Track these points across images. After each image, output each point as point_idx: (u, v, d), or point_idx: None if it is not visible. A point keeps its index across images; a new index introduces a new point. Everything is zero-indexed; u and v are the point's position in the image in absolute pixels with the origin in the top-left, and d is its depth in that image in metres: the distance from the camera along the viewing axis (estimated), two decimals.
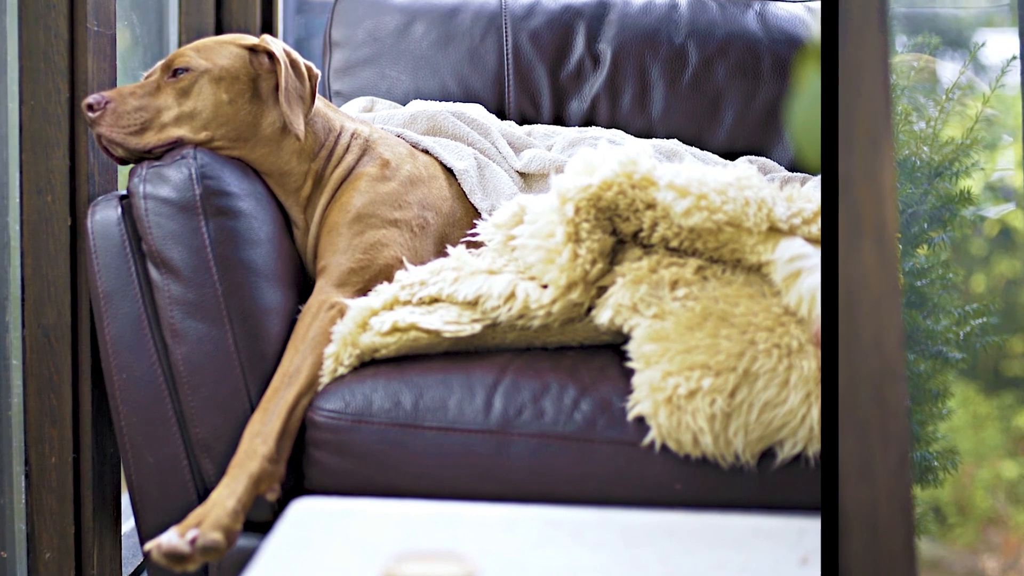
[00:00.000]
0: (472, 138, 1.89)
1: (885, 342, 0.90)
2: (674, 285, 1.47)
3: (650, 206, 1.48)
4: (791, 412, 1.36)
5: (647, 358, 1.41)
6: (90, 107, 1.55)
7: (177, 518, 1.42)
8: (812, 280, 1.38)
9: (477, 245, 1.65)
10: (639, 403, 1.40)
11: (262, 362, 1.50)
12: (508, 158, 1.90)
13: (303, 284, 1.65)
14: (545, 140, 2.01)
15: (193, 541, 1.34)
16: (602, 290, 1.50)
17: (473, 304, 1.51)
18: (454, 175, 1.81)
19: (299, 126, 1.61)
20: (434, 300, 1.53)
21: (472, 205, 1.79)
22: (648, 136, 2.10)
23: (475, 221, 1.72)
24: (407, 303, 1.52)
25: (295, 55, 1.66)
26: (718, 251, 1.48)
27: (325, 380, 1.48)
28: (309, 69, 1.67)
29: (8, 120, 1.61)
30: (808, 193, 1.52)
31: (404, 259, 1.61)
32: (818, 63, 0.99)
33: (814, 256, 1.42)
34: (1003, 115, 1.63)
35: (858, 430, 0.92)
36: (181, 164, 1.52)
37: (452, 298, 1.52)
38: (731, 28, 2.15)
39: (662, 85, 2.13)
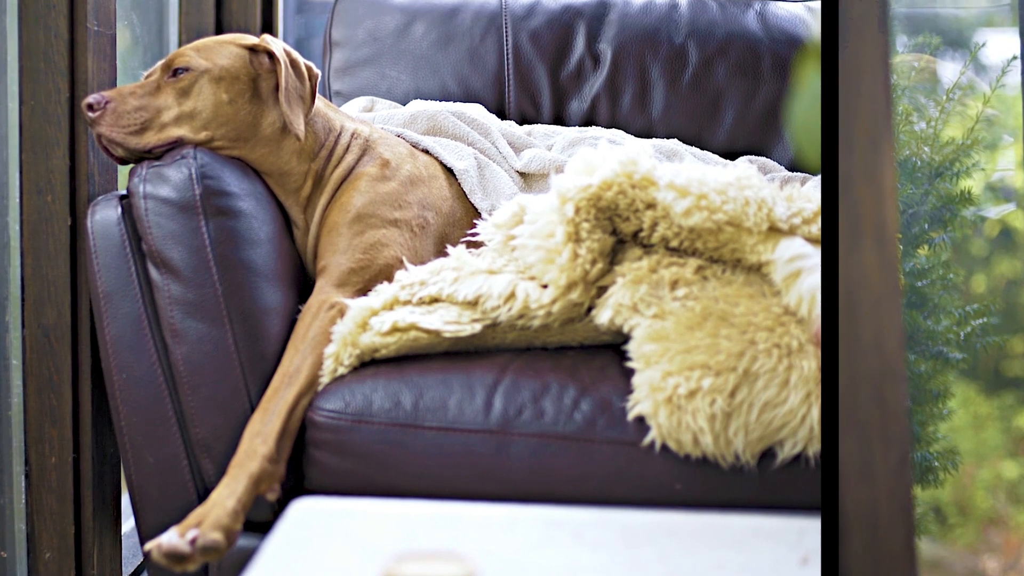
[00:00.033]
0: (472, 138, 1.89)
1: (886, 342, 0.90)
2: (674, 285, 1.47)
3: (650, 206, 1.48)
4: (791, 412, 1.36)
5: (647, 358, 1.41)
6: (90, 107, 1.55)
7: (177, 518, 1.42)
8: (812, 280, 1.38)
9: (477, 245, 1.65)
10: (639, 403, 1.40)
11: (262, 362, 1.50)
12: (508, 158, 1.90)
13: (303, 284, 1.64)
14: (545, 140, 2.01)
15: (193, 541, 1.34)
16: (602, 290, 1.50)
17: (473, 304, 1.51)
18: (454, 175, 1.81)
19: (299, 126, 1.61)
20: (434, 300, 1.53)
21: (472, 205, 1.79)
22: (648, 136, 2.10)
23: (475, 221, 1.71)
24: (407, 303, 1.52)
25: (295, 55, 1.66)
26: (718, 251, 1.48)
27: (325, 380, 1.48)
28: (309, 69, 1.67)
29: (8, 120, 1.61)
30: (808, 193, 1.52)
31: (404, 259, 1.61)
32: (818, 63, 0.99)
33: (814, 256, 1.42)
34: (1004, 115, 1.63)
35: (859, 430, 0.91)
36: (181, 164, 1.52)
37: (452, 298, 1.52)
38: (731, 28, 2.15)
39: (662, 85, 2.13)
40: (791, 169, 2.08)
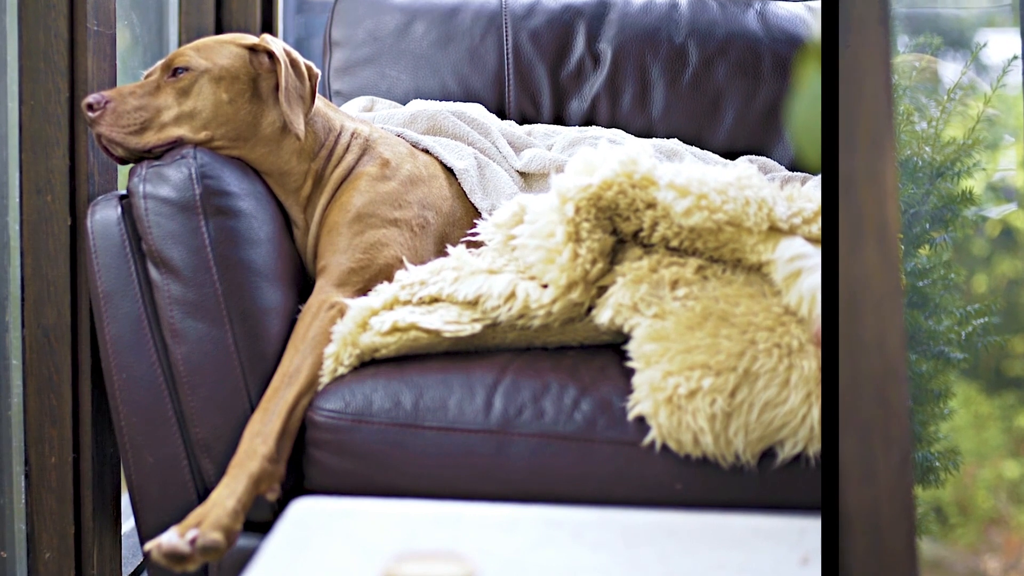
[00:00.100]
0: (472, 138, 1.89)
1: (887, 342, 0.90)
2: (674, 285, 1.46)
3: (650, 206, 1.48)
4: (791, 412, 1.36)
5: (647, 358, 1.41)
6: (90, 107, 1.55)
7: (177, 518, 1.42)
8: (812, 280, 1.38)
9: (477, 245, 1.65)
10: (639, 403, 1.40)
11: (262, 362, 1.49)
12: (508, 158, 1.90)
13: (303, 284, 1.64)
14: (545, 140, 2.01)
15: (193, 541, 1.33)
16: (602, 290, 1.50)
17: (473, 304, 1.51)
18: (454, 175, 1.80)
19: (299, 126, 1.61)
20: (434, 300, 1.53)
21: (472, 205, 1.79)
22: (648, 136, 2.10)
23: (475, 221, 1.71)
24: (407, 303, 1.52)
25: (295, 54, 1.66)
26: (718, 251, 1.48)
27: (325, 380, 1.48)
28: (309, 69, 1.67)
29: (8, 120, 1.61)
30: (808, 193, 1.52)
31: (404, 259, 1.61)
32: (819, 63, 0.99)
33: (814, 256, 1.42)
34: (1005, 115, 1.63)
35: (860, 430, 0.91)
36: (181, 164, 1.52)
37: (452, 298, 1.51)
38: (731, 27, 2.15)
39: (662, 84, 2.12)
40: (791, 169, 2.08)
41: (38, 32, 1.57)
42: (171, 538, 1.34)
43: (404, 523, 1.11)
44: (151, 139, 1.57)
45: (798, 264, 1.41)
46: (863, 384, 0.92)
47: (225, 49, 1.63)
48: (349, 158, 1.70)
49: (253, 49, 1.64)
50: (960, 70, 1.60)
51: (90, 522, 1.63)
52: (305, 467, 1.48)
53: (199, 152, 1.55)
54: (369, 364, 1.50)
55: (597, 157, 1.51)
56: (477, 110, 1.98)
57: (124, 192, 1.56)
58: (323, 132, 1.69)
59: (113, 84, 1.68)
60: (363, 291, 1.57)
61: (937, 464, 1.55)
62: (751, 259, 1.46)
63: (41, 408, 1.61)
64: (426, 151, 1.82)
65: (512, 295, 1.50)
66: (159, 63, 1.63)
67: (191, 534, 1.34)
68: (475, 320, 1.51)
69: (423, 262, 1.63)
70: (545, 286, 1.49)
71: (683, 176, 1.46)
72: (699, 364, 1.37)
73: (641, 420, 1.40)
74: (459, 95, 2.11)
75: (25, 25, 1.58)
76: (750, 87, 2.12)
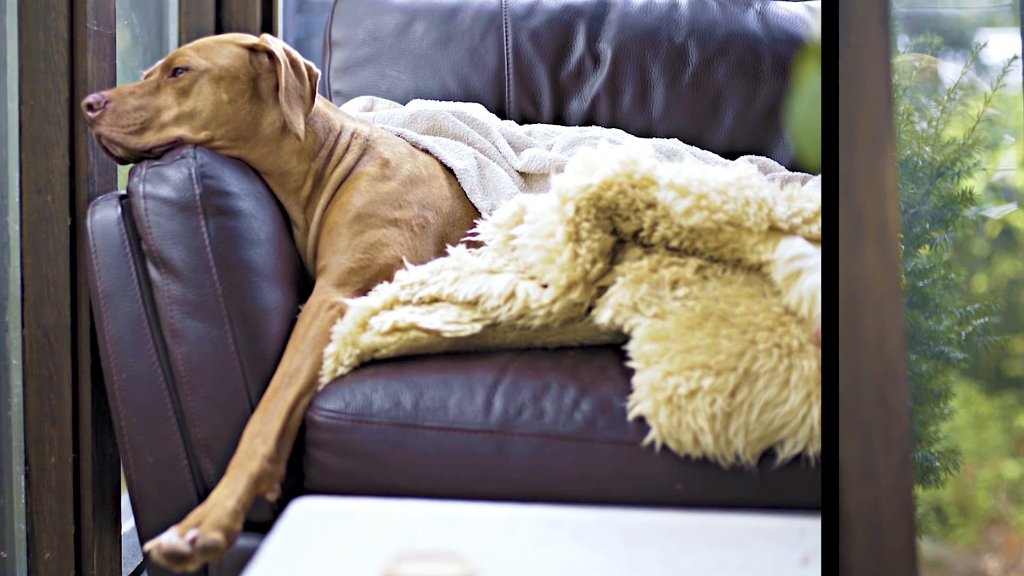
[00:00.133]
0: (472, 138, 1.89)
1: (887, 342, 0.90)
2: (674, 285, 1.46)
3: (650, 206, 1.48)
4: (791, 412, 1.36)
5: (647, 358, 1.41)
6: (90, 107, 1.55)
7: (177, 518, 1.42)
8: (812, 280, 1.38)
9: (477, 245, 1.65)
10: (639, 403, 1.40)
11: (262, 362, 1.49)
12: (508, 157, 1.90)
13: (303, 284, 1.64)
14: (545, 139, 2.01)
15: (193, 541, 1.33)
16: (602, 290, 1.50)
17: (473, 304, 1.51)
18: (454, 175, 1.80)
19: (299, 126, 1.61)
20: (434, 300, 1.53)
21: (472, 205, 1.79)
22: (648, 136, 2.10)
23: (475, 221, 1.71)
24: (407, 303, 1.52)
25: (295, 54, 1.66)
26: (718, 251, 1.48)
27: (325, 380, 1.48)
28: (309, 68, 1.66)
29: (8, 120, 1.61)
30: (808, 193, 1.51)
31: (404, 259, 1.61)
32: (819, 62, 0.99)
33: (815, 256, 1.42)
34: (1005, 115, 1.63)
35: (860, 430, 0.91)
36: (181, 164, 1.52)
37: (452, 298, 1.51)
38: (731, 27, 2.15)
39: (662, 84, 2.12)
40: (791, 169, 2.08)
41: (38, 32, 1.57)
42: (171, 538, 1.34)
43: (404, 523, 1.11)
44: (151, 139, 1.57)
45: (798, 264, 1.41)
46: (863, 384, 0.92)
47: (225, 49, 1.63)
48: (349, 158, 1.69)
49: (253, 49, 1.64)
50: (960, 70, 1.60)
51: (90, 522, 1.63)
52: (305, 467, 1.48)
53: (199, 152, 1.55)
54: (369, 364, 1.50)
55: (597, 157, 1.51)
56: (477, 110, 1.98)
57: (124, 192, 1.56)
58: (323, 132, 1.69)
59: (113, 84, 1.68)
60: (363, 291, 1.57)
61: (937, 464, 1.55)
62: (751, 259, 1.46)
63: (41, 408, 1.61)
64: (426, 151, 1.82)
65: (512, 295, 1.49)
66: (159, 63, 1.63)
67: (191, 534, 1.34)
68: (475, 320, 1.51)
69: (423, 262, 1.63)
70: (545, 286, 1.49)
71: (683, 176, 1.46)
72: (699, 364, 1.37)
73: (641, 420, 1.40)
74: (459, 95, 2.11)
75: (25, 25, 1.58)
76: (750, 87, 2.12)
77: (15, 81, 1.59)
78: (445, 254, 1.63)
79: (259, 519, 1.47)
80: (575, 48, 2.15)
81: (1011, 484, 1.62)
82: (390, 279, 1.58)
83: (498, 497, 1.39)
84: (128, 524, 1.83)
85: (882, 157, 0.92)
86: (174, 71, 1.60)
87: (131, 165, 1.58)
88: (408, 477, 1.43)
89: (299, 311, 1.55)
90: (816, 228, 1.47)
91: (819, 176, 1.22)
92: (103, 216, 1.52)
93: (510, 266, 1.54)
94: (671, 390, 1.37)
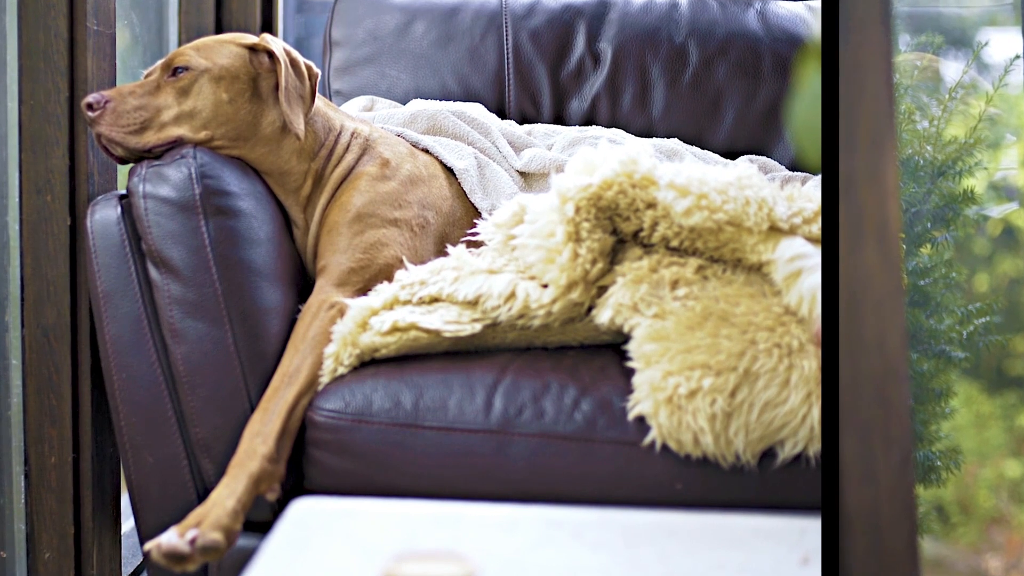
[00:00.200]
0: (472, 137, 1.89)
1: (888, 341, 0.90)
2: (674, 285, 1.46)
3: (650, 205, 1.48)
4: (792, 412, 1.36)
5: (647, 358, 1.41)
6: (89, 106, 1.55)
7: (177, 518, 1.41)
8: (813, 280, 1.38)
9: (477, 244, 1.65)
10: (639, 403, 1.40)
11: (262, 362, 1.49)
12: (508, 157, 1.90)
13: (303, 284, 1.64)
14: (545, 139, 2.01)
15: (193, 541, 1.33)
16: (602, 290, 1.50)
17: (473, 304, 1.51)
18: (454, 174, 1.80)
19: (299, 125, 1.61)
20: (434, 300, 1.52)
21: (472, 204, 1.79)
22: (649, 135, 2.10)
23: (475, 220, 1.71)
24: (407, 303, 1.52)
25: (295, 54, 1.66)
26: (719, 251, 1.48)
27: (325, 380, 1.48)
28: (309, 68, 1.66)
29: (8, 119, 1.61)
30: (809, 192, 1.51)
31: (404, 259, 1.60)
32: (819, 62, 0.99)
33: (815, 256, 1.42)
34: (1006, 114, 1.63)
35: (861, 430, 0.91)
36: (181, 163, 1.52)
37: (452, 298, 1.51)
38: (732, 27, 2.15)
39: (663, 84, 2.12)
40: (792, 169, 2.08)
41: (38, 32, 1.57)
42: (171, 538, 1.34)
43: (404, 523, 1.10)
44: (151, 139, 1.57)
45: (798, 264, 1.41)
46: (864, 383, 0.91)
47: (225, 49, 1.63)
48: (349, 158, 1.69)
49: (253, 49, 1.64)
50: (962, 69, 1.59)
51: (90, 522, 1.63)
52: (305, 467, 1.48)
53: (199, 152, 1.55)
54: (369, 364, 1.50)
55: (597, 157, 1.51)
56: (477, 110, 1.98)
57: (124, 192, 1.56)
58: (323, 132, 1.69)
59: (113, 84, 1.68)
60: (363, 291, 1.57)
61: (938, 463, 1.55)
62: (751, 259, 1.46)
63: (41, 408, 1.60)
64: (426, 151, 1.82)
65: (512, 295, 1.49)
66: (159, 63, 1.63)
67: (191, 534, 1.34)
68: (475, 320, 1.50)
69: (423, 262, 1.63)
70: (545, 286, 1.49)
71: (683, 176, 1.46)
72: (699, 364, 1.37)
73: (641, 420, 1.40)
74: (459, 95, 2.11)
75: (25, 25, 1.57)
76: (750, 87, 2.12)
77: (15, 81, 1.59)
78: (445, 254, 1.63)
79: (259, 519, 1.47)
80: (575, 48, 2.15)
81: (1012, 483, 1.62)
82: (390, 279, 1.57)
83: (498, 497, 1.39)
84: (128, 524, 1.83)
85: (883, 156, 0.92)
86: (174, 71, 1.60)
87: (131, 165, 1.58)
88: (408, 477, 1.43)
89: (299, 311, 1.55)
90: (816, 228, 1.46)
91: (819, 176, 1.21)
92: (103, 216, 1.52)
93: (510, 266, 1.54)
94: (671, 390, 1.37)
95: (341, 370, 1.49)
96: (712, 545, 1.06)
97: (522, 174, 1.89)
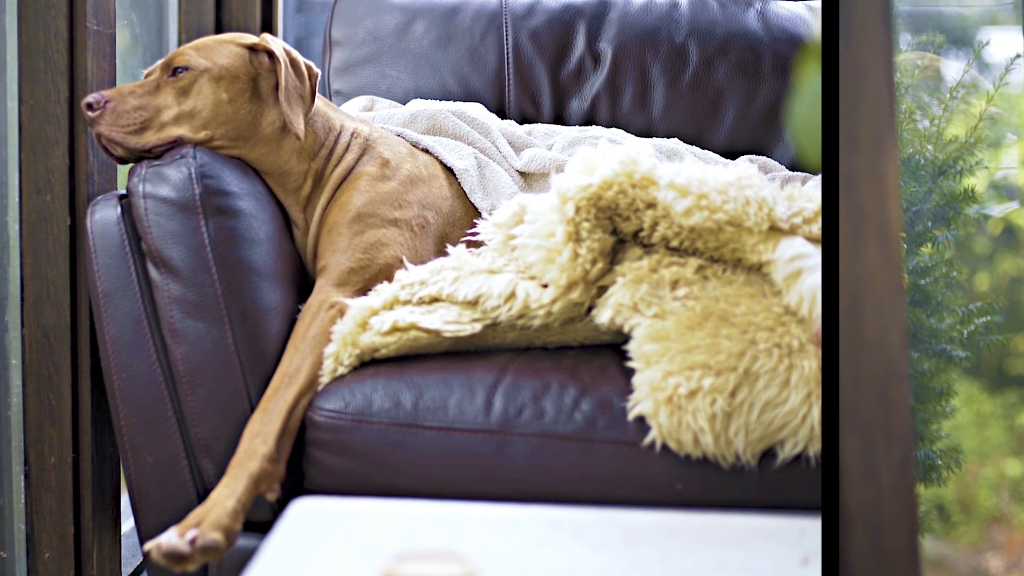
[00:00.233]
0: (472, 137, 1.89)
1: (889, 340, 0.90)
2: (675, 285, 1.46)
3: (651, 205, 1.48)
4: (792, 412, 1.36)
5: (647, 358, 1.41)
6: (89, 106, 1.55)
7: (177, 518, 1.41)
8: (813, 280, 1.38)
9: (477, 244, 1.65)
10: (639, 403, 1.40)
11: (262, 362, 1.49)
12: (508, 157, 1.90)
13: (303, 284, 1.64)
14: (545, 139, 2.01)
15: (193, 541, 1.33)
16: (602, 290, 1.50)
17: (473, 304, 1.51)
18: (454, 174, 1.80)
19: (299, 125, 1.61)
20: (434, 300, 1.52)
21: (472, 204, 1.79)
22: (649, 135, 2.10)
23: (475, 220, 1.71)
24: (407, 303, 1.52)
25: (295, 54, 1.66)
26: (719, 251, 1.48)
27: (325, 380, 1.48)
28: (309, 68, 1.66)
29: (8, 119, 1.61)
30: (809, 192, 1.51)
31: (404, 259, 1.60)
32: (819, 62, 0.98)
33: (815, 256, 1.42)
34: (1007, 113, 1.63)
35: (862, 429, 0.91)
36: (181, 163, 1.52)
37: (452, 298, 1.51)
38: (732, 27, 2.15)
39: (663, 84, 2.12)
40: (792, 169, 2.08)
41: (38, 31, 1.57)
42: (171, 538, 1.33)
43: (404, 523, 1.10)
44: (151, 139, 1.57)
45: (798, 264, 1.41)
46: (865, 382, 0.91)
47: (225, 48, 1.63)
48: (349, 158, 1.69)
49: (253, 48, 1.64)
50: (963, 68, 1.59)
51: (90, 522, 1.63)
52: (305, 467, 1.48)
53: (199, 152, 1.55)
54: (369, 364, 1.50)
55: (597, 157, 1.51)
56: (477, 110, 1.98)
57: (124, 192, 1.56)
58: (323, 132, 1.69)
59: (113, 84, 1.68)
60: (363, 291, 1.57)
61: (939, 462, 1.55)
62: (751, 259, 1.46)
63: (40, 408, 1.60)
64: (426, 151, 1.82)
65: (512, 295, 1.49)
66: (159, 62, 1.63)
67: (191, 534, 1.34)
68: (475, 320, 1.50)
69: (423, 262, 1.62)
70: (545, 286, 1.49)
71: (683, 176, 1.46)
72: (699, 364, 1.37)
73: (641, 420, 1.40)
74: (459, 95, 2.11)
75: (25, 24, 1.57)
76: (750, 87, 2.12)
77: (15, 80, 1.59)
78: (445, 254, 1.63)
79: (259, 519, 1.47)
80: (575, 48, 2.14)
81: (1013, 482, 1.62)
82: (390, 279, 1.57)
83: (498, 497, 1.38)
84: (128, 524, 1.83)
85: (884, 155, 0.92)
86: (174, 71, 1.60)
87: (131, 165, 1.58)
88: (408, 477, 1.43)
89: (299, 311, 1.55)
90: (816, 228, 1.46)
91: (819, 176, 1.21)
92: (103, 216, 1.52)
93: (510, 266, 1.54)
94: (671, 390, 1.37)
95: (341, 370, 1.48)
96: (712, 545, 1.06)
97: (522, 174, 1.89)
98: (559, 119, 2.14)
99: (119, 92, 1.57)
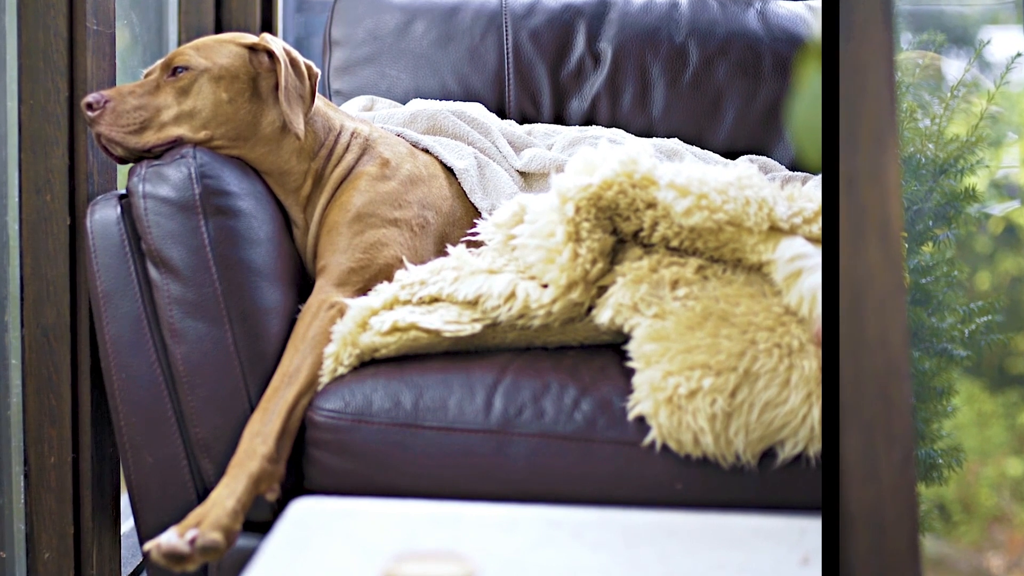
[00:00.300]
0: (472, 137, 1.89)
1: (890, 340, 0.90)
2: (675, 285, 1.46)
3: (651, 205, 1.48)
4: (792, 412, 1.36)
5: (647, 358, 1.41)
6: (89, 106, 1.55)
7: (177, 518, 1.41)
8: (813, 280, 1.38)
9: (477, 244, 1.65)
10: (639, 403, 1.40)
11: (262, 362, 1.49)
12: (508, 157, 1.90)
13: (303, 284, 1.64)
14: (545, 139, 2.01)
15: (192, 541, 1.33)
16: (602, 290, 1.50)
17: (473, 304, 1.51)
18: (454, 174, 1.80)
19: (299, 125, 1.61)
20: (434, 300, 1.52)
21: (472, 204, 1.78)
22: (649, 135, 2.10)
23: (475, 220, 1.71)
24: (407, 303, 1.52)
25: (295, 54, 1.66)
26: (719, 251, 1.48)
27: (325, 380, 1.48)
28: (309, 68, 1.66)
29: (7, 119, 1.60)
30: (809, 192, 1.51)
31: (404, 258, 1.60)
32: (819, 62, 0.98)
33: (815, 256, 1.41)
34: (1008, 112, 1.62)
35: (863, 428, 0.91)
36: (180, 163, 1.52)
37: (452, 298, 1.51)
38: (732, 27, 2.15)
39: (663, 84, 2.12)
40: (792, 169, 2.08)
41: (37, 31, 1.57)
42: (170, 538, 1.33)
43: (404, 523, 1.10)
44: (150, 138, 1.57)
45: (798, 264, 1.41)
46: (866, 381, 0.91)
47: (225, 48, 1.63)
48: (349, 158, 1.69)
49: (253, 48, 1.64)
50: (964, 67, 1.59)
51: (89, 522, 1.63)
52: (305, 467, 1.47)
53: (199, 152, 1.55)
54: (369, 364, 1.50)
55: (597, 157, 1.50)
56: (477, 109, 1.98)
57: (123, 192, 1.56)
58: (323, 132, 1.68)
59: (112, 83, 1.68)
60: (363, 291, 1.57)
61: (940, 461, 1.55)
62: (751, 259, 1.46)
63: (40, 408, 1.60)
64: (426, 151, 1.82)
65: (512, 295, 1.49)
66: (159, 62, 1.63)
67: (190, 534, 1.33)
68: (475, 320, 1.50)
69: (423, 262, 1.62)
70: (545, 286, 1.49)
71: (683, 176, 1.46)
72: (699, 364, 1.37)
73: (641, 420, 1.40)
74: (459, 95, 2.11)
75: (24, 24, 1.57)
76: (750, 87, 2.12)
77: (15, 80, 1.59)
78: (445, 254, 1.63)
79: (259, 519, 1.47)
80: (575, 47, 2.14)
81: (1014, 482, 1.62)
82: (390, 279, 1.57)
83: (498, 497, 1.38)
84: (128, 524, 1.83)
85: (885, 154, 0.92)
86: (174, 70, 1.60)
87: (131, 165, 1.58)
88: (408, 477, 1.43)
89: (299, 311, 1.55)
90: (816, 228, 1.46)
91: (819, 176, 1.21)
92: (102, 216, 1.52)
93: (510, 266, 1.54)
94: (671, 390, 1.37)
95: (341, 370, 1.48)
96: (712, 545, 1.06)
97: (522, 174, 1.89)
98: (559, 119, 2.14)
99: (119, 92, 1.57)
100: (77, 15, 1.58)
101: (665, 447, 1.38)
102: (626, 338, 1.48)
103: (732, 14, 2.17)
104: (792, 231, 1.45)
